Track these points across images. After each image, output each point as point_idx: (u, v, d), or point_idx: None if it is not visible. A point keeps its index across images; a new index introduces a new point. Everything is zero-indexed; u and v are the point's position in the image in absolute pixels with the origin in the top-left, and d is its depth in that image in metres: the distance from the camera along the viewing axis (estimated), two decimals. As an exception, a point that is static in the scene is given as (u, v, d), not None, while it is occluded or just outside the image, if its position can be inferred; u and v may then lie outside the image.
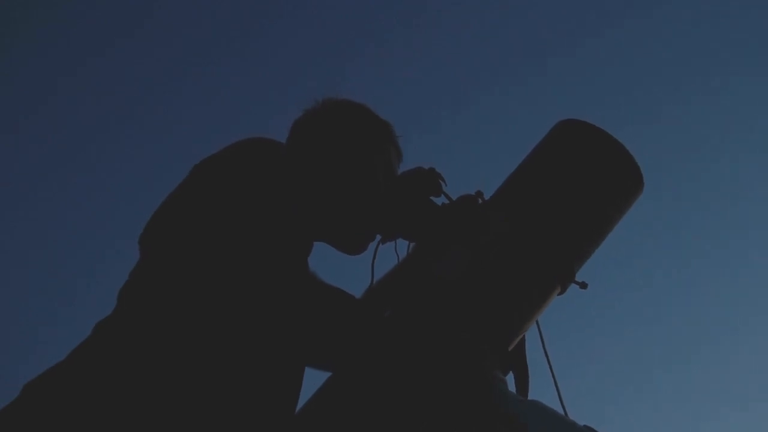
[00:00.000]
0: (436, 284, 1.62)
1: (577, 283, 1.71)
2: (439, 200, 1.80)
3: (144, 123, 5.52)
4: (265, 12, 5.55)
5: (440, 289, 1.60)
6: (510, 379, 1.64)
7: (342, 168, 1.73)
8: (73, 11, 5.42)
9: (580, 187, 1.71)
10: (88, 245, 5.29)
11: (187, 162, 1.64)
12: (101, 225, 5.31)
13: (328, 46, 5.60)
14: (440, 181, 1.80)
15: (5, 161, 5.36)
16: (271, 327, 1.47)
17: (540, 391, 1.67)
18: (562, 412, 1.63)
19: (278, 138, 1.73)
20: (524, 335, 1.68)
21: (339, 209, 1.72)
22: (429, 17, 5.57)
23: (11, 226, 5.25)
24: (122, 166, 5.51)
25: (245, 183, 1.53)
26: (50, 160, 5.45)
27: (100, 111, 5.49)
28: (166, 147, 5.49)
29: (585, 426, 1.48)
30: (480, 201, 1.73)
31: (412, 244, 1.82)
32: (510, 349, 1.64)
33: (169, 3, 5.57)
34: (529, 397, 1.63)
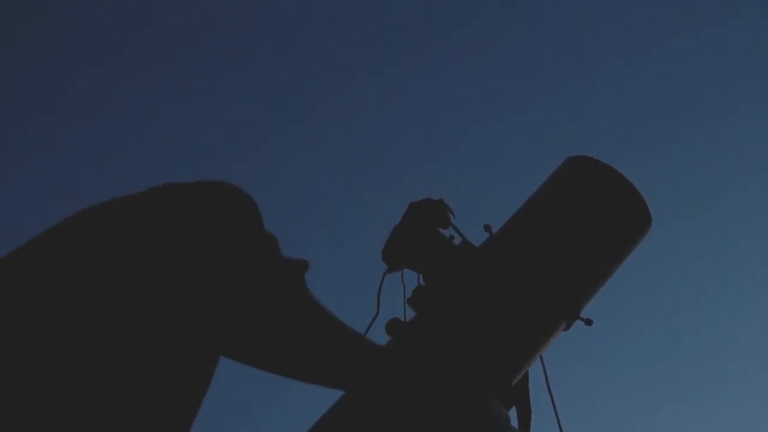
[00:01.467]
0: (439, 319, 1.62)
1: (582, 319, 1.71)
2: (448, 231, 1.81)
3: (138, 140, 5.55)
4: (268, 29, 5.60)
5: (443, 323, 1.61)
6: (513, 415, 1.63)
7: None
8: (72, 18, 5.47)
9: (587, 224, 1.71)
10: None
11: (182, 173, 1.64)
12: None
13: (334, 77, 5.65)
14: (449, 213, 1.81)
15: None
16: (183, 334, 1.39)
17: (542, 428, 1.66)
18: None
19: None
20: (528, 371, 1.68)
21: None
22: (438, 46, 5.62)
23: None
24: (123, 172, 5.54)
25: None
26: (48, 168, 5.48)
27: (100, 116, 5.53)
28: (164, 161, 5.52)
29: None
30: (489, 235, 1.74)
31: (418, 275, 1.82)
32: (513, 384, 1.64)
33: (165, 21, 5.61)
34: (531, 433, 1.63)
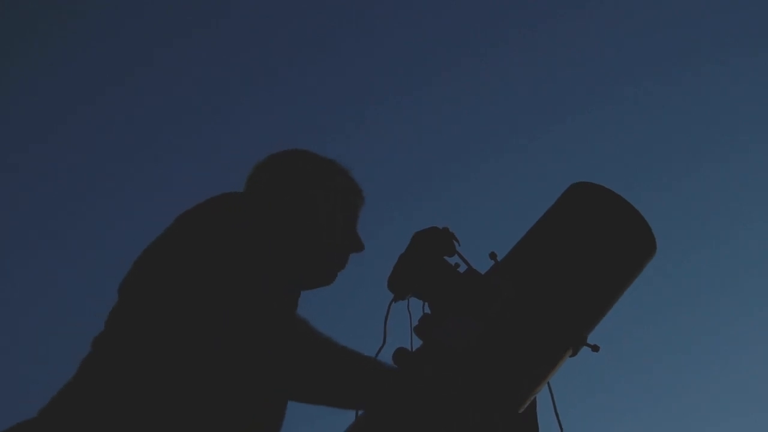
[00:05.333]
0: (443, 351, 1.63)
1: (588, 345, 1.71)
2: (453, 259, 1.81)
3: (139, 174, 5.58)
4: (273, 60, 5.64)
5: (448, 355, 1.62)
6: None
7: (287, 210, 1.87)
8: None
9: (591, 251, 1.72)
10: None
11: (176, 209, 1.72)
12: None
13: (343, 98, 5.68)
14: (454, 241, 1.81)
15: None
16: (255, 373, 1.56)
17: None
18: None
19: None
20: (535, 397, 1.68)
21: (297, 247, 1.83)
22: (446, 74, 5.65)
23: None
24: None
25: (229, 235, 1.65)
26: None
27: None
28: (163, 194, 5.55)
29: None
30: (494, 262, 1.75)
31: (424, 304, 1.83)
32: (521, 411, 1.64)
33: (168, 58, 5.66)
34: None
